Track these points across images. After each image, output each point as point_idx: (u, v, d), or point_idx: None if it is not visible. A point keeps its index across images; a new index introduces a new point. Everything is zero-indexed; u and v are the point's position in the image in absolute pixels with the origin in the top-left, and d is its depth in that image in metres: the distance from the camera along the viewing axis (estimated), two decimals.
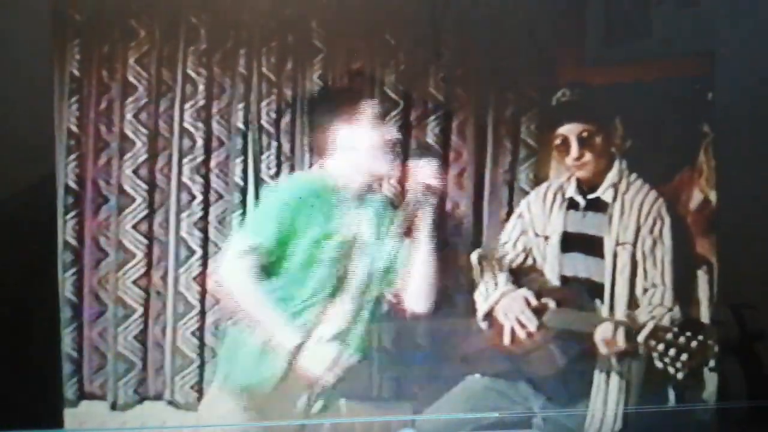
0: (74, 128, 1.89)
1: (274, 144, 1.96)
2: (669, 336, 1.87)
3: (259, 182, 1.96)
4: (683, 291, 1.94)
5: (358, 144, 1.85)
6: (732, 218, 1.92)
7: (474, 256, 1.98)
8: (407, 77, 1.98)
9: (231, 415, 1.79)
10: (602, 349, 1.91)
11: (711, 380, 1.96)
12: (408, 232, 1.84)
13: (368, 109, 1.86)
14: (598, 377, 1.94)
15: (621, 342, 1.89)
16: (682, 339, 1.87)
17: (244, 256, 1.79)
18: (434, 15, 1.97)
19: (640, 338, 1.88)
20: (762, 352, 1.98)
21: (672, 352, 1.87)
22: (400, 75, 1.97)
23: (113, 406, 1.91)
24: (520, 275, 1.97)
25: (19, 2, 1.76)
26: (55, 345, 1.78)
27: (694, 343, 1.87)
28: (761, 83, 1.95)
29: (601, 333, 1.91)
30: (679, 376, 1.90)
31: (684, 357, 1.87)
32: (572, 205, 1.98)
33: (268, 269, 1.81)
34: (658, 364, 1.89)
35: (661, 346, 1.88)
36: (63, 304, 1.84)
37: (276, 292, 1.81)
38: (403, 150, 1.92)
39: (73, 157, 1.88)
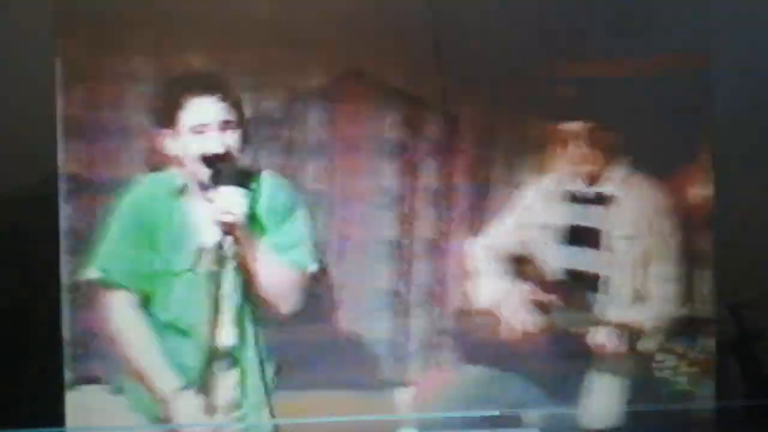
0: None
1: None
2: (670, 344, 1.90)
3: None
4: (684, 286, 1.95)
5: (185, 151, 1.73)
6: (730, 217, 1.93)
7: (474, 246, 1.96)
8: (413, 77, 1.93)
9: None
10: (598, 350, 1.93)
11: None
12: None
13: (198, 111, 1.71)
14: (594, 375, 1.95)
15: (617, 346, 1.91)
16: (681, 348, 1.90)
17: (107, 293, 1.73)
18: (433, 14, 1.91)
19: (641, 346, 1.90)
20: (761, 351, 2.00)
21: (672, 360, 1.90)
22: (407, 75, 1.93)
23: None
24: (520, 267, 1.96)
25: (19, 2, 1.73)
26: (56, 344, 1.75)
27: (694, 352, 1.90)
28: (761, 82, 1.96)
29: (598, 336, 1.92)
30: (681, 382, 1.92)
31: (684, 367, 1.90)
32: (574, 198, 1.97)
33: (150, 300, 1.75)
34: (659, 373, 1.92)
35: (661, 355, 1.91)
36: None
37: (160, 317, 1.74)
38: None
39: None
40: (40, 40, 1.71)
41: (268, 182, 1.79)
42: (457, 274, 1.97)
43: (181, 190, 1.73)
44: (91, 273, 1.72)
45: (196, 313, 1.70)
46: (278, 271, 1.75)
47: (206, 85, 1.72)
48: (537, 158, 1.98)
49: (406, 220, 1.95)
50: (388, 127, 1.93)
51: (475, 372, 1.95)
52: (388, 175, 1.94)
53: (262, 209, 1.75)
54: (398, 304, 1.95)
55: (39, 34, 1.71)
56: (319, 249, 1.85)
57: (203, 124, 1.69)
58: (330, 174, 1.92)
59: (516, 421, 1.91)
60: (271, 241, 1.75)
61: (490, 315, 1.95)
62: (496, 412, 1.88)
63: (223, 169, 1.68)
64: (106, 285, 1.72)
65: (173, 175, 1.74)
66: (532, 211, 1.97)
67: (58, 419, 1.74)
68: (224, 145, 1.69)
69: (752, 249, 1.93)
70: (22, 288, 1.75)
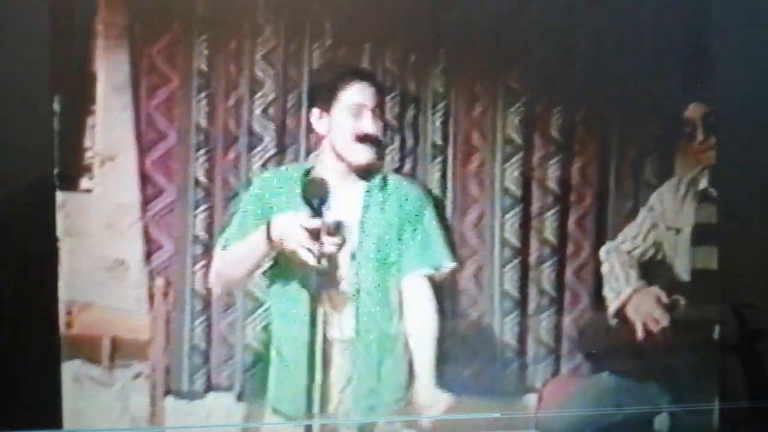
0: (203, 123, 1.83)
1: (398, 138, 1.89)
2: None
3: None
4: None
5: (337, 131, 1.80)
6: (732, 217, 1.90)
7: (602, 251, 1.93)
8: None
9: None
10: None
11: None
12: None
13: (356, 93, 1.79)
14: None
15: None
16: None
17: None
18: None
19: None
20: (763, 352, 1.96)
21: None
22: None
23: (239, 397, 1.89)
24: (650, 270, 1.93)
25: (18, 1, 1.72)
26: (54, 345, 1.75)
27: None
28: (762, 81, 1.92)
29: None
30: None
31: None
32: (705, 197, 1.93)
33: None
34: None
35: None
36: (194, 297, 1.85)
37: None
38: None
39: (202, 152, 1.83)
40: None
41: (396, 186, 1.84)
42: (585, 279, 1.93)
43: (308, 172, 1.80)
44: (218, 246, 1.81)
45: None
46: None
47: (366, 72, 1.83)
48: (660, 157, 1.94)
49: (528, 222, 1.92)
50: (507, 128, 1.90)
51: (603, 379, 1.93)
52: (509, 178, 1.91)
53: (391, 217, 1.81)
54: (521, 308, 1.92)
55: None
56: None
57: (360, 104, 1.78)
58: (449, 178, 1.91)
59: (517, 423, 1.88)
60: (404, 248, 1.80)
61: (619, 318, 1.93)
62: (497, 414, 1.86)
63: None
64: None
65: (303, 166, 1.83)
66: (661, 211, 1.93)
67: (56, 420, 1.75)
68: (376, 128, 1.79)
69: (756, 249, 1.90)
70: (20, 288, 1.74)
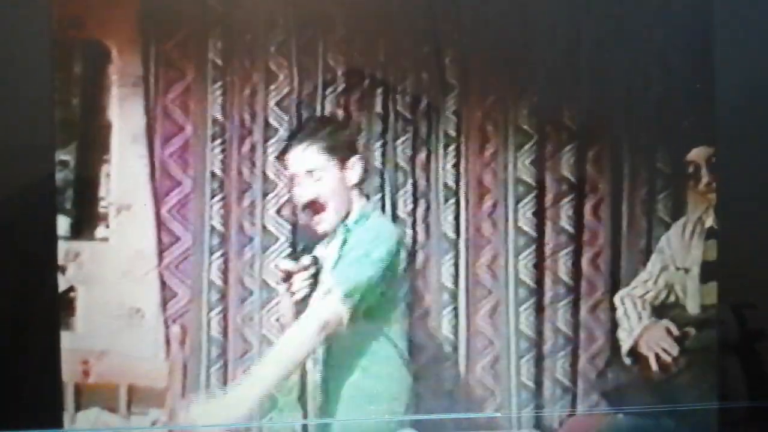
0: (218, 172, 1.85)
1: (410, 181, 1.88)
2: None
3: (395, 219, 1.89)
4: None
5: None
6: (732, 217, 1.90)
7: (617, 298, 1.93)
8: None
9: None
10: None
11: None
12: None
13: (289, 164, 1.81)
14: None
15: None
16: None
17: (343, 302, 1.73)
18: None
19: None
20: (762, 351, 1.95)
21: None
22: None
23: None
24: (663, 312, 1.94)
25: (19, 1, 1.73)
26: (54, 345, 1.75)
27: None
28: (762, 80, 1.91)
29: None
30: None
31: None
32: (712, 234, 1.93)
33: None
34: None
35: None
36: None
37: None
38: None
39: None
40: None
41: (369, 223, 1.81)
42: (600, 318, 1.94)
43: None
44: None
45: None
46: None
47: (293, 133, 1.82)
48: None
49: (542, 261, 1.93)
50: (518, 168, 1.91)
51: (619, 419, 1.93)
52: (522, 218, 1.92)
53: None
54: (537, 348, 1.93)
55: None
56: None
57: (291, 175, 1.80)
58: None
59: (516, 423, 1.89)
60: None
61: (633, 356, 1.94)
62: (497, 414, 1.87)
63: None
64: None
65: None
66: (670, 253, 1.94)
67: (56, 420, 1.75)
68: (313, 190, 1.77)
69: (756, 249, 1.89)
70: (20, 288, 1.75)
